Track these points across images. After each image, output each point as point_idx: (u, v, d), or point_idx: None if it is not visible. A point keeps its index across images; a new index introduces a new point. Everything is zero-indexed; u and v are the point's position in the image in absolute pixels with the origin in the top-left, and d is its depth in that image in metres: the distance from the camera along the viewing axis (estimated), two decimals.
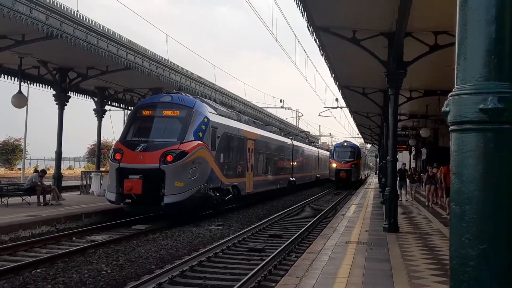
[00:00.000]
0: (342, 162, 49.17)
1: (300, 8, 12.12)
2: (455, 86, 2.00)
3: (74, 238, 14.53)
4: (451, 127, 2.00)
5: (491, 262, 1.87)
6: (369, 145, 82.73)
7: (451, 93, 2.01)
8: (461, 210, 1.94)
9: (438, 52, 13.60)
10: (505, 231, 1.90)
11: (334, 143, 75.15)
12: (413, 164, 50.37)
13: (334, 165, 49.80)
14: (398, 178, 28.74)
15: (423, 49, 13.50)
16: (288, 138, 40.79)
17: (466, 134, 1.94)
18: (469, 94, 1.93)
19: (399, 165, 43.87)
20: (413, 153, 50.91)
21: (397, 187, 27.23)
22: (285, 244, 14.00)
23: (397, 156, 21.39)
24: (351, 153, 51.23)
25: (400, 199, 25.04)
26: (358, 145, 64.87)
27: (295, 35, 27.77)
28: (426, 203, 23.08)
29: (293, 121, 64.06)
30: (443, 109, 2.07)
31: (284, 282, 7.82)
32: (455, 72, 2.02)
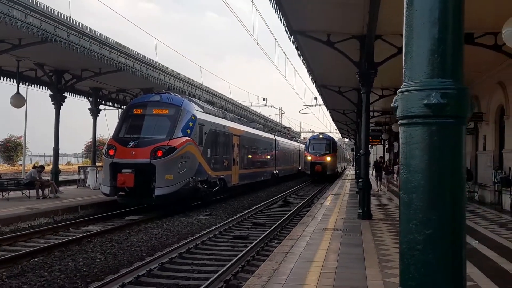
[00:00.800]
0: (318, 155, 42.81)
1: (278, 13, 12.11)
2: (403, 83, 2.00)
3: (70, 229, 14.47)
4: (399, 122, 2.00)
5: (437, 246, 1.88)
6: (346, 140, 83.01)
7: (399, 90, 2.01)
8: (409, 198, 1.94)
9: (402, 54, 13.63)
10: (449, 217, 1.90)
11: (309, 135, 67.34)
12: (386, 157, 49.67)
13: (309, 158, 43.24)
14: (374, 169, 29.02)
15: (392, 51, 13.53)
16: (271, 134, 40.83)
17: (412, 128, 1.94)
18: (415, 90, 1.93)
19: (375, 158, 43.90)
20: (386, 146, 50.65)
21: (374, 178, 27.38)
22: (267, 232, 14.02)
23: (372, 150, 21.55)
24: (326, 145, 44.78)
25: (377, 189, 25.13)
26: (334, 137, 59.83)
27: (275, 39, 27.79)
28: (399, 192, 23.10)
29: (276, 118, 64.13)
30: (392, 105, 2.07)
31: (264, 267, 7.80)
32: (403, 70, 2.01)
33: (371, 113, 32.22)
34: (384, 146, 51.40)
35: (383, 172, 28.14)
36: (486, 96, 18.96)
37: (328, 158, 42.86)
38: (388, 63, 14.48)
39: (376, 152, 62.21)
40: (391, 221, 13.34)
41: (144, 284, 8.62)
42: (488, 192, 18.63)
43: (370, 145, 55.08)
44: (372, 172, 28.71)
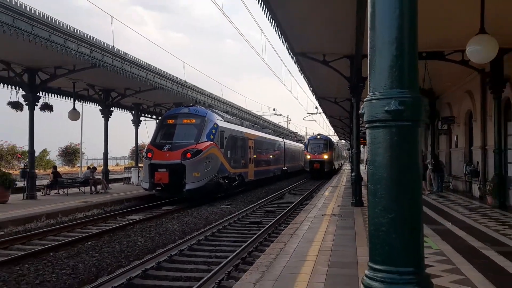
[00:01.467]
0: (316, 154, 39.23)
1: (282, 39, 12.08)
2: (368, 94, 1.98)
3: (118, 218, 14.52)
4: (366, 125, 1.98)
5: (397, 227, 1.86)
6: (343, 141, 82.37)
7: (365, 99, 2.00)
8: (375, 188, 1.93)
9: None
10: (407, 204, 1.88)
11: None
12: None
13: (308, 156, 39.59)
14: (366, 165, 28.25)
15: None
16: (280, 137, 40.68)
17: (376, 130, 1.93)
18: (378, 99, 1.92)
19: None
20: None
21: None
22: (277, 218, 13.99)
23: (361, 148, 21.30)
24: (324, 145, 40.79)
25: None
26: (333, 138, 56.51)
27: (281, 59, 28.06)
28: None
29: (284, 125, 63.76)
30: (359, 111, 2.05)
31: (273, 247, 7.77)
32: (369, 83, 2.00)
33: (362, 119, 32.15)
34: None
35: None
36: (457, 103, 18.71)
37: (326, 156, 39.38)
38: None
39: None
40: None
41: (176, 262, 8.65)
42: (460, 182, 18.38)
43: (362, 145, 54.79)
44: (365, 167, 27.83)
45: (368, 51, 1.99)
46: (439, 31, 11.04)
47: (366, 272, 1.93)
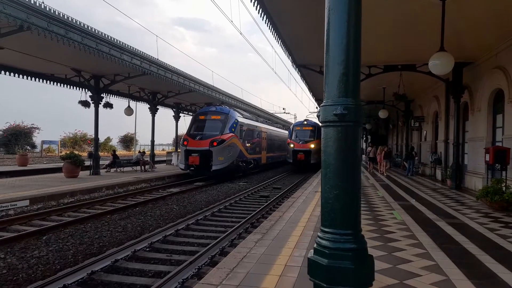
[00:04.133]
0: (301, 142, 26.69)
1: (287, 54, 12.07)
2: (323, 101, 2.06)
3: (160, 190, 14.78)
4: (321, 125, 2.07)
5: (340, 201, 1.95)
6: None
7: (321, 105, 2.08)
8: (325, 171, 2.02)
9: (372, 78, 13.38)
10: (349, 183, 1.97)
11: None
12: (363, 146, 45.66)
13: (291, 145, 26.61)
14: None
15: (362, 77, 13.27)
16: (288, 131, 40.40)
17: (328, 129, 2.01)
18: (329, 105, 2.00)
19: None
20: (364, 138, 48.05)
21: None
22: (281, 193, 14.08)
23: None
24: (311, 132, 27.68)
25: (369, 169, 21.22)
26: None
27: (288, 69, 27.73)
28: (368, 170, 20.99)
29: (292, 121, 63.45)
30: (316, 114, 2.14)
31: (274, 215, 7.84)
32: (324, 93, 2.08)
33: None
34: (362, 138, 49.52)
35: (363, 156, 25.88)
36: (427, 105, 18.39)
37: (312, 146, 26.24)
38: (361, 84, 14.20)
39: (363, 141, 60.65)
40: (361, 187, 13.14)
41: (201, 225, 8.80)
42: (427, 168, 18.14)
43: None
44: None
45: (324, 69, 2.07)
46: (413, 46, 10.89)
47: (319, 234, 2.03)
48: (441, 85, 14.92)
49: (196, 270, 5.45)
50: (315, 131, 27.32)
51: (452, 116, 13.86)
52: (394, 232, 6.07)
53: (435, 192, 11.51)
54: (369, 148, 23.01)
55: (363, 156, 27.43)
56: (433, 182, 14.67)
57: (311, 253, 2.00)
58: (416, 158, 18.72)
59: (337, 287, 1.83)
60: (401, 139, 24.70)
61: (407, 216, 7.45)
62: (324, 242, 1.93)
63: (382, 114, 19.59)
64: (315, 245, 1.99)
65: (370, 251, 4.88)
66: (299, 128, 28.14)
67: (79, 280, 5.06)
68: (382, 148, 19.76)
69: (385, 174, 18.04)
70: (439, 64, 7.51)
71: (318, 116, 2.11)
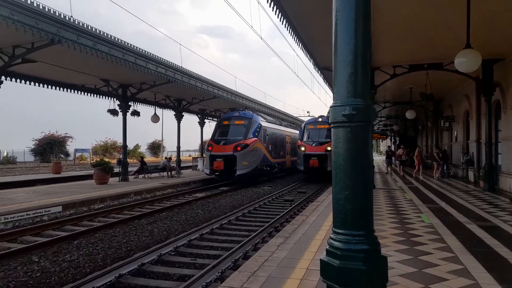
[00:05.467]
0: (314, 145, 20.60)
1: (308, 56, 12.03)
2: (332, 102, 2.06)
3: (186, 195, 15.00)
4: (331, 125, 2.07)
5: (350, 201, 1.94)
6: None
7: (330, 105, 2.08)
8: (335, 172, 2.02)
9: (398, 78, 13.09)
10: (359, 183, 1.95)
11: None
12: (392, 148, 44.39)
13: (302, 148, 20.76)
14: (385, 156, 24.80)
15: (386, 77, 13.01)
16: None
17: (338, 129, 2.01)
18: (339, 106, 2.00)
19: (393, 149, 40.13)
20: (393, 140, 47.06)
21: (386, 163, 24.00)
22: (306, 197, 13.98)
23: (383, 142, 20.34)
24: (328, 131, 20.66)
25: (386, 172, 21.29)
26: None
27: (310, 72, 27.42)
28: (400, 173, 20.29)
29: None
30: (326, 115, 2.15)
31: (298, 219, 7.81)
32: (333, 94, 2.08)
33: (380, 118, 31.03)
34: (391, 140, 48.36)
35: (393, 158, 24.93)
36: (457, 105, 17.77)
37: (329, 148, 19.23)
38: (385, 85, 13.92)
39: (386, 144, 58.99)
40: (387, 190, 12.86)
41: (225, 229, 8.87)
42: (459, 169, 17.47)
43: (381, 140, 52.72)
44: (385, 159, 25.47)
45: (333, 70, 2.08)
46: (437, 46, 10.61)
47: (331, 235, 2.02)
48: (471, 83, 14.39)
49: (219, 273, 5.51)
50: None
51: (483, 115, 13.32)
52: (421, 236, 5.90)
53: (467, 194, 11.08)
54: (400, 150, 21.75)
55: (385, 158, 26.35)
56: (465, 184, 14.12)
57: (323, 255, 2.01)
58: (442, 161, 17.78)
59: None
60: (431, 140, 23.93)
61: (436, 219, 7.22)
62: (336, 243, 1.93)
63: (410, 114, 19.07)
64: (327, 247, 1.99)
65: (395, 254, 4.81)
66: (312, 126, 21.88)
67: (107, 283, 5.23)
68: (420, 150, 18.87)
69: (421, 177, 17.16)
70: (466, 62, 7.27)
71: (328, 117, 2.12)
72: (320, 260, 2.00)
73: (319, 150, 20.12)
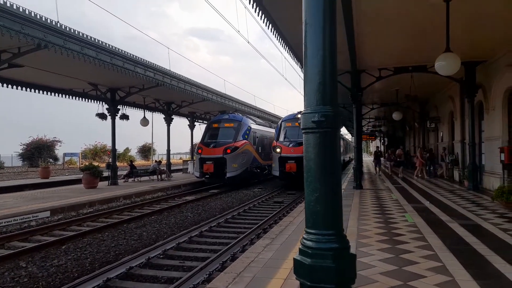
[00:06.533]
0: (291, 145, 17.32)
1: (295, 60, 12.16)
2: (303, 109, 2.18)
3: (175, 198, 14.98)
4: (302, 131, 2.18)
5: (320, 202, 2.06)
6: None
7: (301, 112, 2.20)
8: (307, 175, 2.13)
9: (385, 80, 13.34)
10: (328, 186, 2.07)
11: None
12: (381, 148, 44.58)
13: (278, 150, 17.69)
14: (374, 157, 24.18)
15: (372, 79, 13.27)
16: None
17: (308, 134, 2.13)
18: (309, 113, 2.12)
19: (382, 149, 40.25)
20: (382, 141, 47.64)
21: (374, 164, 23.91)
22: (295, 198, 14.11)
23: (372, 143, 20.65)
24: None
25: (375, 173, 21.31)
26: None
27: (298, 74, 27.62)
28: (389, 173, 20.63)
29: None
30: (298, 122, 2.26)
31: (285, 220, 7.91)
32: (304, 101, 2.20)
33: (368, 119, 31.41)
34: (380, 140, 48.93)
35: (382, 159, 24.00)
36: (442, 106, 18.13)
37: None
38: (373, 87, 14.18)
39: (375, 144, 59.33)
40: (374, 190, 13.05)
41: (214, 232, 8.94)
42: (445, 169, 17.80)
43: (370, 140, 53.19)
44: (373, 159, 25.48)
45: (303, 79, 2.19)
46: (421, 50, 10.87)
47: (303, 235, 2.14)
48: (455, 85, 14.71)
49: (207, 275, 5.59)
50: None
51: (467, 116, 13.64)
52: (404, 235, 6.05)
53: (451, 194, 11.33)
54: (398, 151, 21.66)
55: (382, 159, 26.25)
56: (450, 184, 14.41)
57: (297, 254, 2.12)
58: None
59: (320, 285, 1.93)
60: (418, 140, 24.32)
61: (419, 219, 7.40)
62: (308, 243, 2.04)
63: (396, 116, 19.39)
64: (300, 246, 2.10)
65: (377, 253, 4.95)
66: (290, 124, 18.52)
67: (95, 287, 5.27)
68: (421, 150, 18.72)
69: (426, 177, 17.33)
70: (445, 65, 7.49)
71: (299, 123, 2.23)
72: (294, 259, 2.11)
73: (297, 152, 16.59)
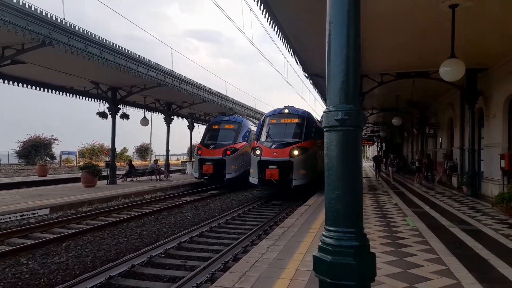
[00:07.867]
0: (274, 147, 13.51)
1: (298, 63, 12.22)
2: (325, 107, 2.19)
3: (175, 199, 14.92)
4: (324, 129, 2.19)
5: (341, 200, 2.06)
6: None
7: (323, 111, 2.21)
8: (328, 174, 2.14)
9: (385, 85, 13.39)
10: (350, 185, 2.07)
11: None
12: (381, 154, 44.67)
13: (257, 152, 13.67)
14: (374, 163, 24.32)
15: (374, 84, 13.30)
16: None
17: (330, 133, 2.13)
18: (331, 111, 2.12)
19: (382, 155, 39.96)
20: (379, 146, 47.73)
21: (374, 169, 23.54)
22: (294, 201, 14.03)
23: (371, 148, 20.71)
24: (296, 126, 14.23)
25: (375, 178, 20.87)
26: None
27: (300, 78, 27.69)
28: (391, 181, 20.06)
29: None
30: (320, 119, 2.28)
31: (287, 221, 7.93)
32: (326, 100, 2.21)
33: (367, 124, 31.47)
34: (377, 146, 49.02)
35: (382, 165, 23.86)
36: (441, 112, 18.23)
37: (296, 152, 13.27)
38: (373, 92, 14.21)
39: (374, 150, 59.49)
40: (374, 194, 13.08)
41: (215, 232, 8.89)
42: (443, 175, 17.87)
43: (368, 146, 53.34)
44: (373, 165, 25.28)
45: (326, 78, 2.20)
46: (424, 55, 10.93)
47: (323, 232, 2.14)
48: (456, 91, 14.82)
49: (210, 275, 5.57)
50: (303, 125, 14.37)
51: (467, 123, 13.73)
52: (407, 238, 6.08)
53: (450, 199, 11.38)
54: (418, 155, 21.29)
55: (374, 164, 26.14)
56: (449, 190, 14.48)
57: (316, 251, 2.12)
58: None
59: (340, 282, 1.94)
60: (416, 146, 24.44)
61: (421, 223, 7.43)
62: (328, 240, 2.05)
63: (396, 121, 19.48)
64: (320, 243, 2.10)
65: (382, 256, 4.96)
66: (274, 121, 15.23)
67: (98, 285, 5.24)
68: (430, 156, 18.33)
69: (423, 182, 17.38)
70: (450, 71, 7.55)
71: (321, 122, 2.24)
72: (313, 256, 2.11)
73: (281, 155, 13.51)
